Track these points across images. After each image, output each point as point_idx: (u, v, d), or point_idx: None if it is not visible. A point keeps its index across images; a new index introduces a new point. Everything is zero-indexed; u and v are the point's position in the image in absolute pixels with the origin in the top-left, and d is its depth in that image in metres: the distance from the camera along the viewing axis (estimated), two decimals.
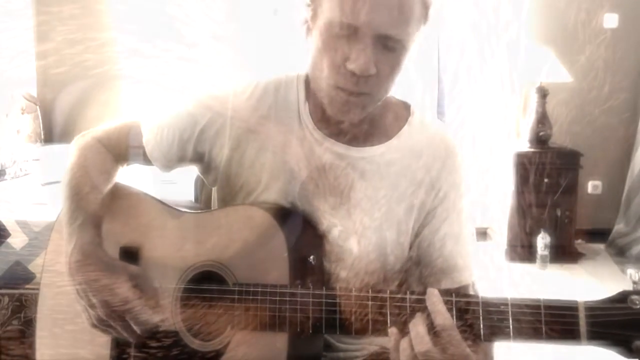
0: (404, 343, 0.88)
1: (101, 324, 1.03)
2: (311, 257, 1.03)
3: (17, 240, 2.00)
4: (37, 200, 2.88)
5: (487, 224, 4.06)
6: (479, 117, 3.97)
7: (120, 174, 1.19)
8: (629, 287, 0.86)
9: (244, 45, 3.61)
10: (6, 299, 1.99)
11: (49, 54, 3.75)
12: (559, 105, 3.88)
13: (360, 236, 1.07)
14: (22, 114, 3.71)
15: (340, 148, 1.08)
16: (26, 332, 1.96)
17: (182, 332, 1.05)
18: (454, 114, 4.04)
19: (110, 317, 1.01)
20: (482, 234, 4.06)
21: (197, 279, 1.05)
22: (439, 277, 1.08)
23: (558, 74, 3.76)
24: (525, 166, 3.72)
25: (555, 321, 0.84)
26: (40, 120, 3.90)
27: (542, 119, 3.84)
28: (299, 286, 0.97)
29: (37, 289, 1.17)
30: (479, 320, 0.87)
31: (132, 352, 1.08)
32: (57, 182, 1.18)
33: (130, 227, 1.13)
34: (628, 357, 0.83)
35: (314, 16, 0.99)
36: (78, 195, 1.10)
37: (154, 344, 1.06)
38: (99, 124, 1.22)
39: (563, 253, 3.76)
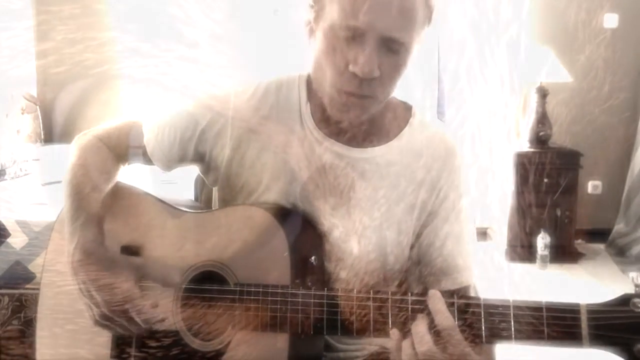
0: (406, 343, 0.88)
1: (105, 322, 1.03)
2: (313, 257, 1.03)
3: (17, 240, 2.00)
4: (37, 200, 2.88)
5: (487, 224, 4.06)
6: (479, 117, 3.97)
7: (121, 174, 1.19)
8: (629, 287, 0.86)
9: (244, 45, 3.60)
10: (6, 299, 1.99)
11: (49, 54, 3.75)
12: (559, 105, 3.88)
13: (360, 236, 1.07)
14: (22, 114, 3.70)
15: (341, 148, 1.08)
16: (26, 332, 1.96)
17: (182, 331, 1.05)
18: (454, 114, 4.04)
19: (115, 314, 1.02)
20: (482, 234, 4.06)
21: (198, 279, 1.05)
22: (439, 277, 1.08)
23: (558, 73, 3.76)
24: (525, 166, 3.72)
25: (557, 324, 0.84)
26: (40, 120, 3.89)
27: (542, 119, 3.84)
28: (300, 286, 0.97)
29: (37, 288, 1.17)
30: (481, 322, 0.87)
31: (133, 351, 1.08)
32: (57, 182, 1.18)
33: (131, 226, 1.13)
34: None
35: (317, 18, 0.99)
36: (79, 195, 1.10)
37: (153, 343, 1.06)
38: (99, 123, 1.22)
39: (563, 253, 3.76)
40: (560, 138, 3.94)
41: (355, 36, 0.94)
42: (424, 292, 0.92)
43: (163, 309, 1.05)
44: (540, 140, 3.83)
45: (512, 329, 0.86)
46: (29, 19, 3.77)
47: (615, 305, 0.84)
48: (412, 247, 1.11)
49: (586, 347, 0.84)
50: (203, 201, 1.40)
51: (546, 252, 3.64)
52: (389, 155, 1.09)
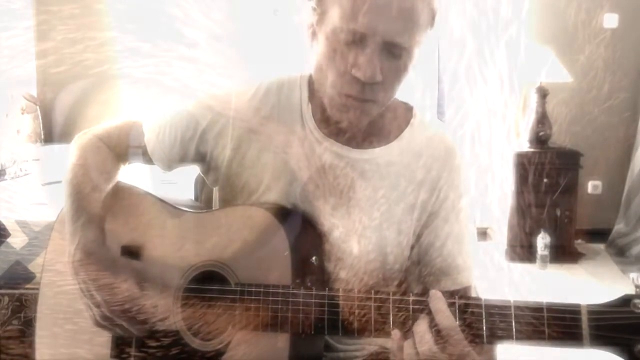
0: (407, 344, 0.88)
1: (105, 322, 1.03)
2: (313, 257, 1.03)
3: (17, 240, 2.00)
4: (37, 200, 2.87)
5: (487, 224, 4.06)
6: (479, 117, 3.97)
7: (122, 173, 1.19)
8: (629, 287, 0.86)
9: (244, 45, 3.60)
10: (6, 299, 1.99)
11: (48, 54, 3.75)
12: (558, 105, 3.88)
13: (360, 236, 1.07)
14: (22, 114, 3.71)
15: (341, 148, 1.08)
16: (26, 332, 1.96)
17: (182, 331, 1.05)
18: (454, 114, 4.04)
19: (115, 314, 1.02)
20: (482, 234, 4.06)
21: (198, 279, 1.05)
22: (439, 277, 1.08)
23: (558, 73, 3.76)
24: (525, 166, 3.72)
25: (557, 324, 0.85)
26: (40, 120, 3.89)
27: (542, 119, 3.84)
28: (300, 286, 0.97)
29: (37, 288, 1.17)
30: (482, 322, 0.88)
31: (132, 351, 1.08)
32: (57, 182, 1.18)
33: (131, 226, 1.13)
34: None
35: (320, 21, 0.98)
36: (80, 195, 1.10)
37: (153, 343, 1.06)
38: (99, 123, 1.22)
39: (563, 253, 3.76)
40: (560, 138, 3.94)
41: (357, 40, 0.94)
42: (424, 292, 0.92)
43: (163, 309, 1.05)
44: (540, 140, 3.83)
45: (513, 329, 0.86)
46: (29, 19, 3.77)
47: (616, 306, 0.84)
48: (412, 247, 1.11)
49: (587, 347, 0.84)
50: (203, 201, 1.40)
51: (546, 252, 3.64)
52: (389, 156, 1.09)
